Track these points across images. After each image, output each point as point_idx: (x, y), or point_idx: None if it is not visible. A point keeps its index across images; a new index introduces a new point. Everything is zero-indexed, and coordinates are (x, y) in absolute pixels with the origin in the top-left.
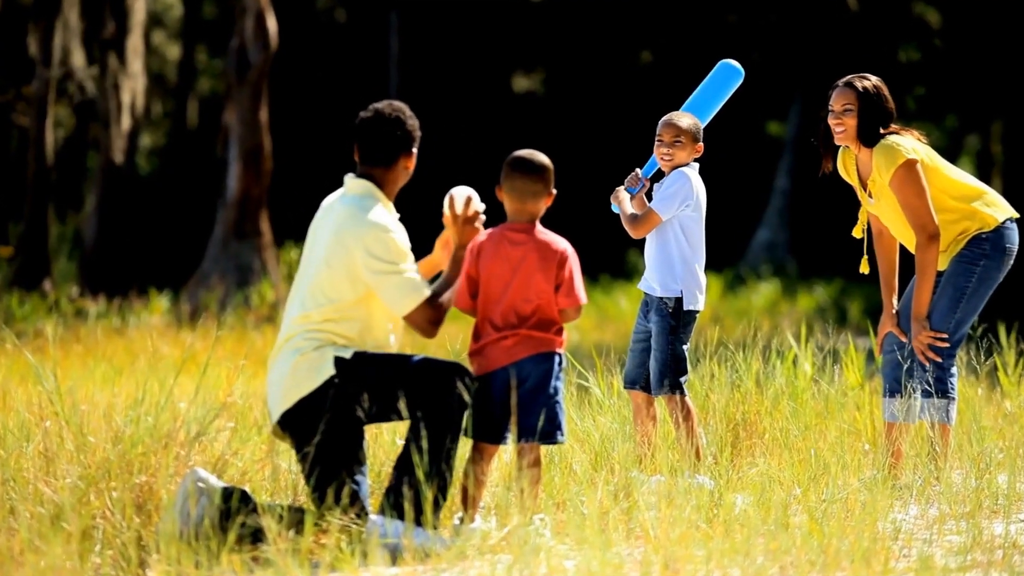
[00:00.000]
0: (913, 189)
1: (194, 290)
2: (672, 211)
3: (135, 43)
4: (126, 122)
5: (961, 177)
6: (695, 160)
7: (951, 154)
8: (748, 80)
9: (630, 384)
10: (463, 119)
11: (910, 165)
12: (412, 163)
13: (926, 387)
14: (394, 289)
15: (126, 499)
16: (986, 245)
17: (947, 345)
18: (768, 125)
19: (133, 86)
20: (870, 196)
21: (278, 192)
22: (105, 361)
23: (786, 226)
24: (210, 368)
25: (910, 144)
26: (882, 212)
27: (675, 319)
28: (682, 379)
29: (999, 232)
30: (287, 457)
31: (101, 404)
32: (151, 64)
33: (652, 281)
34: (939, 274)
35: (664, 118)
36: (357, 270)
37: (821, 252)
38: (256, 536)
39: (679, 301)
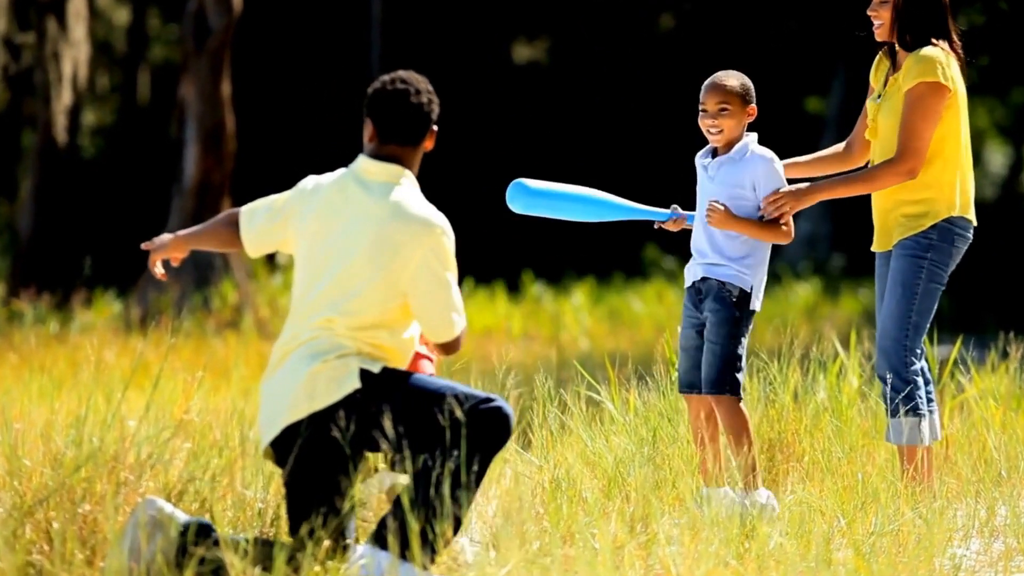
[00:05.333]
0: (924, 111)
1: (145, 290)
2: None
3: (77, 6)
4: (67, 96)
5: (965, 143)
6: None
7: (1017, 134)
8: (785, 52)
9: (687, 388)
10: (456, 94)
11: (938, 89)
12: (433, 141)
13: (889, 404)
14: (442, 309)
15: (67, 532)
16: (933, 234)
17: (906, 354)
18: (807, 101)
19: (75, 55)
20: (878, 97)
21: (242, 177)
22: (43, 372)
23: (828, 217)
24: (163, 381)
25: (951, 71)
26: (882, 118)
27: (739, 310)
28: (740, 380)
29: (950, 221)
30: (253, 483)
31: (38, 422)
32: (96, 30)
33: (717, 264)
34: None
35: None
36: (402, 274)
37: (868, 247)
38: (217, 573)
39: (745, 294)
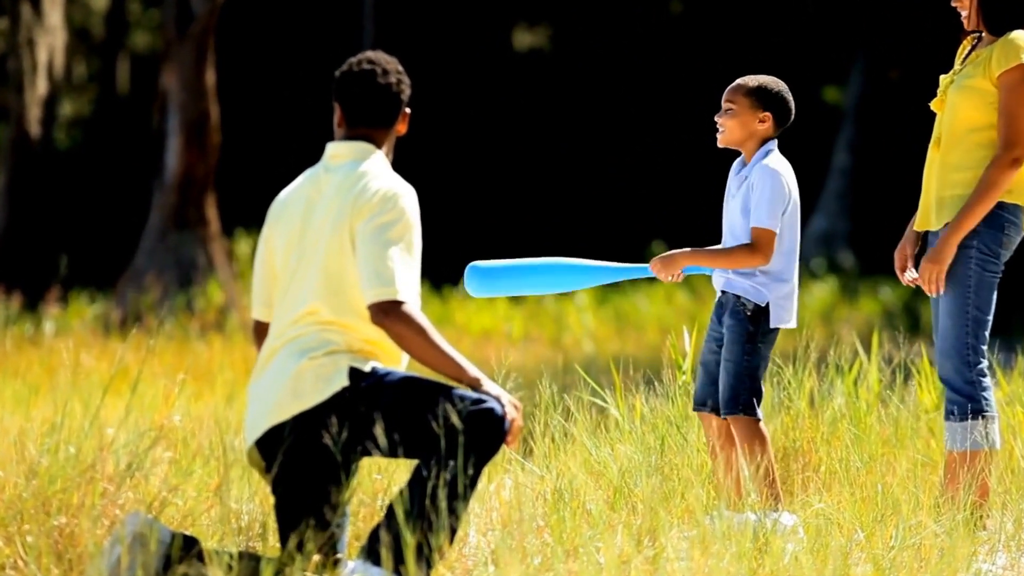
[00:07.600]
0: (1021, 97)
1: (125, 290)
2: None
3: None
4: (42, 86)
5: None
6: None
7: None
8: (801, 39)
9: (699, 404)
10: (453, 83)
11: None
12: (406, 124)
13: (956, 408)
14: (380, 260)
15: (42, 545)
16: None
17: (969, 352)
18: (824, 91)
19: (51, 42)
20: (952, 81)
21: (227, 172)
22: (17, 377)
23: (846, 213)
24: (144, 386)
25: None
26: (953, 92)
27: (754, 325)
28: (756, 399)
29: (999, 206)
30: (239, 495)
31: (12, 430)
32: (73, 16)
33: (735, 277)
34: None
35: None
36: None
37: (888, 244)
38: None
39: (760, 309)
